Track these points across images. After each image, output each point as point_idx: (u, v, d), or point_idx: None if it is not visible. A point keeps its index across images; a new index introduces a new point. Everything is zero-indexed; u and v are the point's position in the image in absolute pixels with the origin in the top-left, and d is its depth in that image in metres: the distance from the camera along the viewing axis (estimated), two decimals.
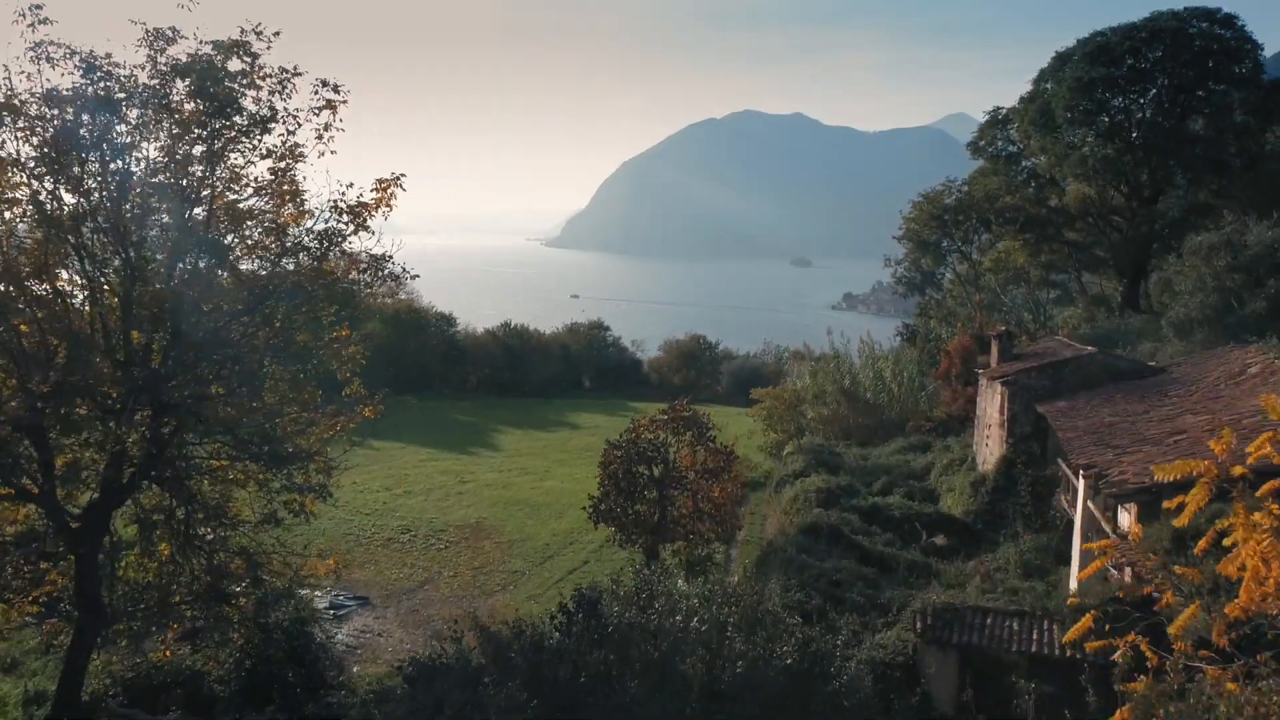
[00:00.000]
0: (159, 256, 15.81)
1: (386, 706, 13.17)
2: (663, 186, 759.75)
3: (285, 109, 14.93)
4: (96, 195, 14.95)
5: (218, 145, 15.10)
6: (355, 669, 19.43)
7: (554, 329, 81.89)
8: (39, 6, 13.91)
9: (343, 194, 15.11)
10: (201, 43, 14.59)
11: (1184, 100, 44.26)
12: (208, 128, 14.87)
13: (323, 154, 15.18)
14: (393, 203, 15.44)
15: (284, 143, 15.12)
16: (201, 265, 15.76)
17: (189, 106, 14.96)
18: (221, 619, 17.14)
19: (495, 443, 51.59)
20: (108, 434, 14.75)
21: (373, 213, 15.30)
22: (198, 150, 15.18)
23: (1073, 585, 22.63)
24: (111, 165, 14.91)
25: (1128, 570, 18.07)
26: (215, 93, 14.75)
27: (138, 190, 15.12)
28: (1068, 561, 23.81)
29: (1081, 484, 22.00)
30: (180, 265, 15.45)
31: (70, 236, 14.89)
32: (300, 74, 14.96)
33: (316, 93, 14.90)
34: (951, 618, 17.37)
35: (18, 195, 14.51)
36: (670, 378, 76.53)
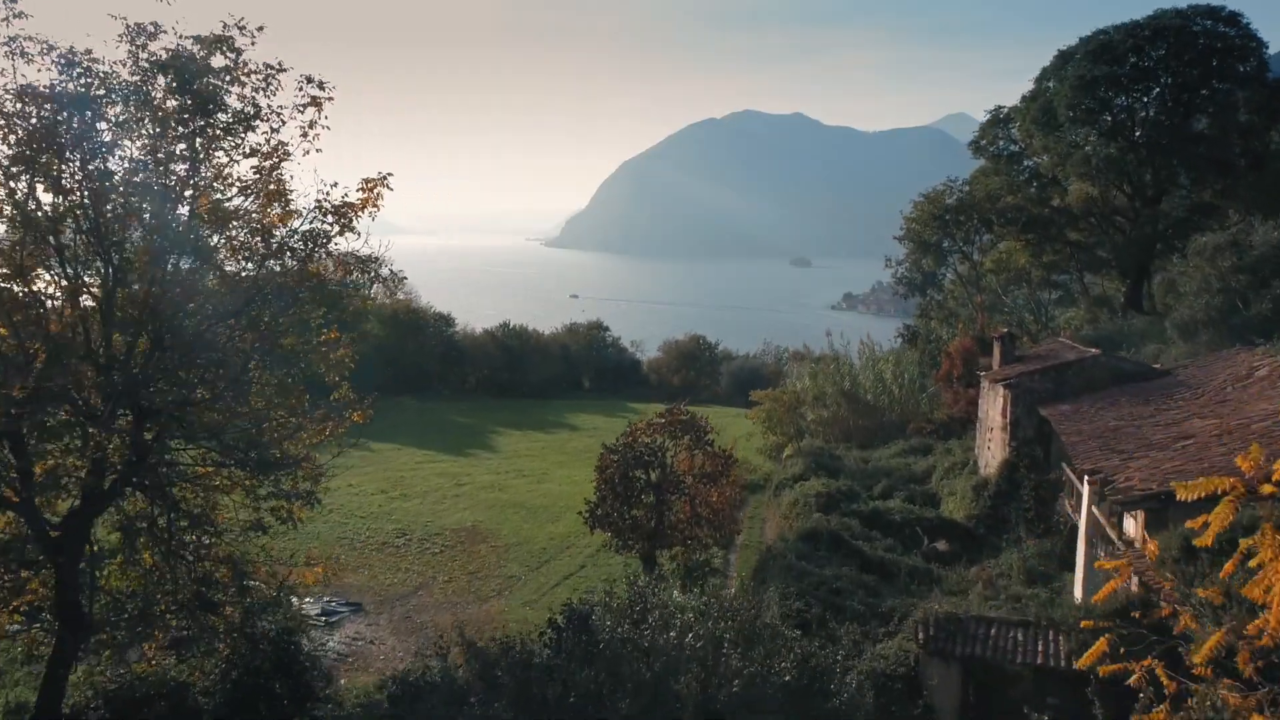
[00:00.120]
0: (142, 258, 15.37)
1: None
2: (663, 186, 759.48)
3: (269, 106, 14.54)
4: (76, 195, 14.54)
5: (201, 143, 14.69)
6: (342, 681, 19.01)
7: (553, 329, 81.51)
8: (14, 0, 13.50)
9: (327, 194, 14.72)
10: (182, 37, 14.18)
11: (1188, 99, 43.89)
12: (190, 125, 14.46)
13: (308, 152, 14.78)
14: (379, 203, 15.04)
15: (268, 140, 14.72)
16: (185, 267, 15.35)
17: (171, 103, 14.55)
18: (207, 628, 16.73)
19: (493, 444, 51.18)
20: (88, 440, 14.33)
21: (359, 213, 14.89)
22: (181, 149, 14.76)
23: (1077, 592, 22.23)
24: (92, 164, 14.50)
25: (1134, 578, 17.70)
26: (198, 89, 14.34)
27: (119, 190, 14.70)
28: (1072, 567, 23.41)
29: (1086, 489, 21.59)
30: (163, 267, 15.02)
31: (49, 238, 14.47)
32: (285, 69, 14.56)
33: (301, 89, 14.50)
34: (954, 628, 16.96)
35: None
36: (670, 378, 76.17)
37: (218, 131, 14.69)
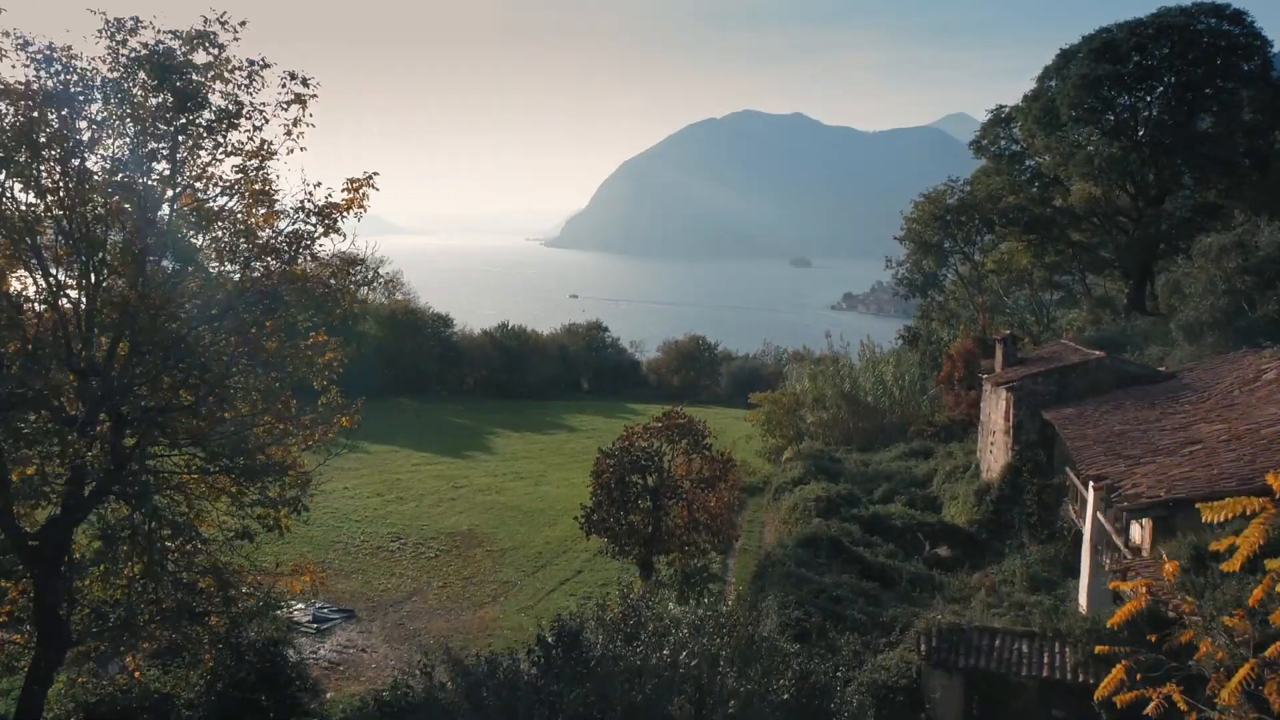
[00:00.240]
0: (123, 260, 14.93)
1: None
2: (663, 186, 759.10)
3: (251, 103, 14.10)
4: (55, 194, 14.12)
5: (183, 141, 14.26)
6: (329, 695, 18.56)
7: (552, 330, 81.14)
8: None
9: (310, 194, 14.29)
10: (159, 32, 13.74)
11: (1191, 98, 43.46)
12: (172, 123, 14.04)
13: (291, 151, 14.35)
14: (365, 203, 14.62)
15: (250, 138, 14.30)
16: (168, 268, 14.92)
17: (152, 101, 14.13)
18: (191, 639, 16.29)
19: (490, 446, 50.76)
20: (66, 447, 13.90)
21: (344, 214, 14.48)
22: (162, 147, 14.34)
23: (1082, 600, 21.83)
24: (71, 163, 14.08)
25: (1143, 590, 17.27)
26: (180, 86, 13.91)
27: (99, 189, 14.28)
28: (1076, 574, 23.00)
29: (1091, 495, 21.19)
30: (145, 268, 14.60)
31: (27, 238, 14.05)
32: (268, 65, 14.13)
33: (284, 86, 14.07)
34: (957, 639, 16.55)
35: None
36: (669, 379, 75.80)
37: (200, 130, 14.26)
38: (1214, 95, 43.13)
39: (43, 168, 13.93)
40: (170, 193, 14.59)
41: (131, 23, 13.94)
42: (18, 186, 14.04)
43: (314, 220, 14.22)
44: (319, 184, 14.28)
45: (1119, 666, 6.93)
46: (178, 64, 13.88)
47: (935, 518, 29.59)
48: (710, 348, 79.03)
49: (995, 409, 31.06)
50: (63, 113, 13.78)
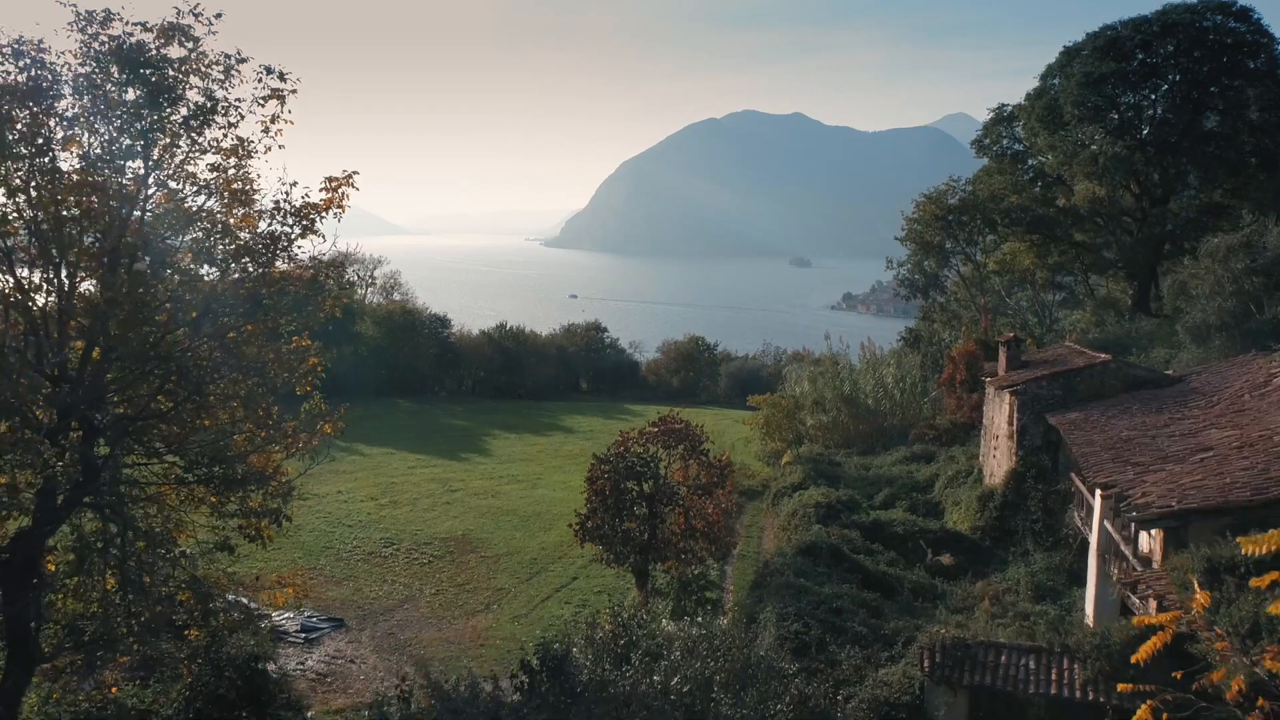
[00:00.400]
0: (96, 261, 14.37)
1: None
2: (662, 187, 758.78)
3: (226, 98, 13.55)
4: (25, 194, 13.55)
5: (158, 138, 13.70)
6: (311, 712, 17.99)
7: (551, 330, 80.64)
8: None
9: (287, 194, 13.73)
10: (130, 25, 13.18)
11: (1197, 96, 42.87)
12: (146, 120, 13.48)
13: (270, 149, 13.80)
14: (345, 203, 14.08)
15: (225, 135, 13.74)
16: (142, 271, 14.35)
17: (126, 96, 13.58)
18: (169, 654, 15.74)
19: (487, 448, 50.18)
20: (37, 456, 13.33)
21: (322, 214, 13.92)
22: (137, 144, 13.78)
23: (1089, 610, 21.26)
24: (41, 161, 13.51)
25: (1152, 602, 16.71)
26: (155, 81, 13.36)
27: (71, 188, 13.71)
28: (1082, 583, 22.45)
29: (1099, 503, 20.62)
30: (118, 271, 14.04)
31: None
32: (245, 60, 13.57)
33: (261, 80, 13.51)
34: (962, 655, 15.97)
35: None
36: (668, 380, 75.31)
37: (176, 127, 13.70)
38: (1220, 93, 42.55)
39: (11, 166, 13.38)
40: (145, 192, 14.04)
41: (102, 15, 13.38)
42: None
43: (291, 221, 13.65)
44: (295, 183, 13.73)
45: (1145, 707, 6.39)
46: (151, 58, 13.33)
47: (937, 524, 29.02)
48: (709, 348, 78.52)
49: (999, 413, 30.50)
50: (32, 109, 13.23)
